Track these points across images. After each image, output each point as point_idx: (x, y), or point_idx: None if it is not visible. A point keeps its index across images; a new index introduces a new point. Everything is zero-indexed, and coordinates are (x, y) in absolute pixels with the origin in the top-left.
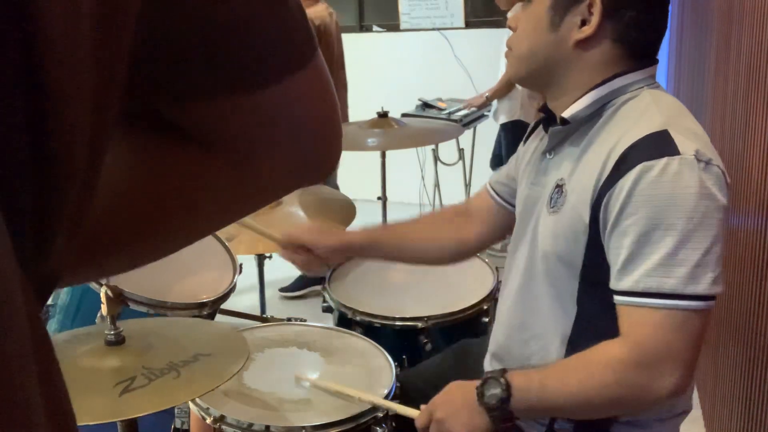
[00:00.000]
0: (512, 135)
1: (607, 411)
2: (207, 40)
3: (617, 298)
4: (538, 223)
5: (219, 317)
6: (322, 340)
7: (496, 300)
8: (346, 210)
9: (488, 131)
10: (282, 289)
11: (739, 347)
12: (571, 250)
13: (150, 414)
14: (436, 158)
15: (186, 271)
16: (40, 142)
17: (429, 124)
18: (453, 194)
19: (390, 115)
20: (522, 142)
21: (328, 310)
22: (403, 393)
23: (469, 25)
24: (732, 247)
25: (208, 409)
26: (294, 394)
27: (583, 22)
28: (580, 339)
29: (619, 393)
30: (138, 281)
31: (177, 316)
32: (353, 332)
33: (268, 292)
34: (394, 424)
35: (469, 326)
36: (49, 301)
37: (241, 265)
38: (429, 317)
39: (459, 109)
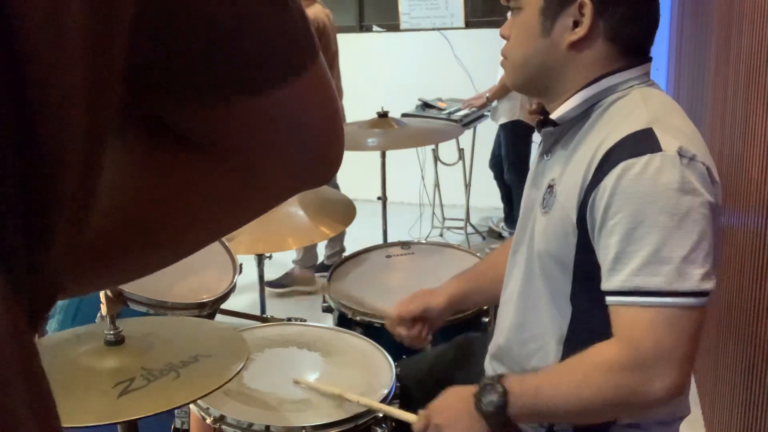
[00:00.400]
0: (512, 135)
1: (604, 414)
2: (207, 43)
3: (608, 298)
4: (534, 224)
5: (219, 317)
6: (322, 340)
7: None
8: (346, 210)
9: (488, 131)
10: (268, 283)
11: (739, 347)
12: (562, 250)
13: (148, 416)
14: (436, 158)
15: (186, 271)
16: (29, 151)
17: (429, 124)
18: (453, 194)
19: (390, 115)
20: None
21: (328, 310)
22: (403, 388)
23: (469, 25)
24: (732, 247)
25: (208, 409)
26: (294, 394)
27: (575, 24)
28: (575, 339)
29: (615, 395)
30: (138, 281)
31: (177, 316)
32: (353, 332)
33: (268, 292)
34: (394, 425)
35: (469, 326)
36: None
37: (241, 265)
38: None
39: (459, 109)
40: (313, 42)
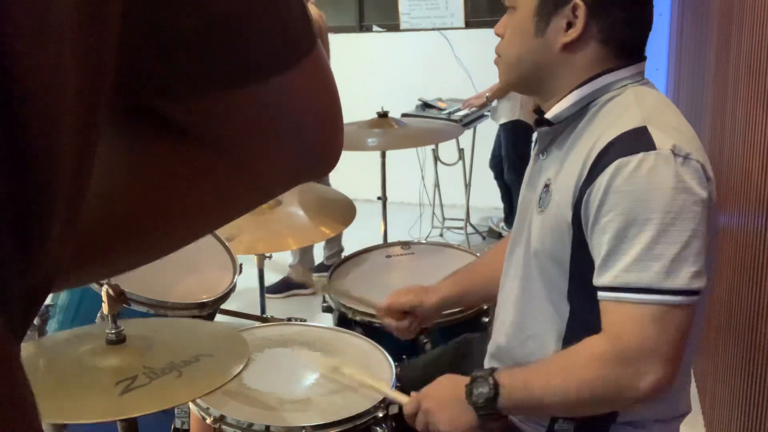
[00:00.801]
0: (512, 135)
1: (592, 407)
2: (200, 31)
3: (599, 294)
4: (531, 223)
5: (219, 317)
6: (322, 340)
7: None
8: (346, 210)
9: (488, 131)
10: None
11: (739, 347)
12: (558, 249)
13: (150, 414)
14: (436, 158)
15: (186, 271)
16: (17, 147)
17: (429, 124)
18: (453, 194)
19: (390, 115)
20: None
21: (328, 310)
22: (403, 388)
23: (469, 25)
24: (732, 247)
25: (208, 409)
26: (294, 394)
27: (569, 25)
28: (574, 337)
29: (602, 388)
30: (138, 281)
31: (177, 316)
32: (353, 332)
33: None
34: (394, 424)
35: (469, 326)
36: (49, 301)
37: (241, 265)
38: None
39: (459, 109)
40: (311, 29)
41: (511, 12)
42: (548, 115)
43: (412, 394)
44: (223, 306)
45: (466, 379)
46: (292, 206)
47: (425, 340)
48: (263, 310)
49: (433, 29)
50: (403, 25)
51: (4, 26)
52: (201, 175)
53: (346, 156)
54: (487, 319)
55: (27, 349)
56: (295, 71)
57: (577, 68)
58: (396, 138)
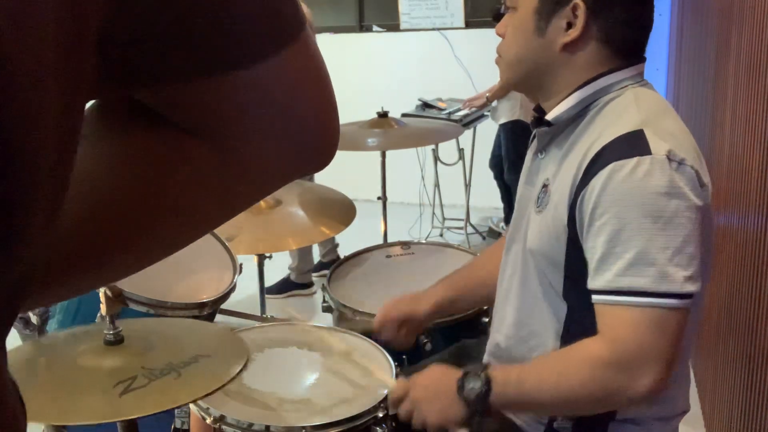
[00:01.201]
0: (512, 135)
1: (584, 408)
2: (183, 14)
3: (594, 296)
4: (528, 222)
5: (219, 317)
6: (322, 340)
7: None
8: (346, 210)
9: (488, 131)
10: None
11: (739, 347)
12: (554, 249)
13: (150, 414)
14: (436, 158)
15: (186, 271)
16: None
17: (429, 124)
18: (453, 194)
19: (390, 115)
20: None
21: (328, 310)
22: None
23: (469, 25)
24: (732, 247)
25: (208, 409)
26: (294, 394)
27: (569, 25)
28: (572, 335)
29: (595, 391)
30: (138, 281)
31: (177, 316)
32: (353, 332)
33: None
34: (394, 425)
35: (469, 326)
36: None
37: (241, 265)
38: None
39: (459, 109)
40: (299, 11)
41: (512, 12)
42: (549, 117)
43: (400, 379)
44: (223, 306)
45: (459, 372)
46: (292, 206)
47: (425, 340)
48: (263, 310)
49: (433, 29)
50: (403, 25)
51: None
52: (189, 167)
53: (346, 156)
54: (486, 319)
55: (27, 349)
56: (284, 54)
57: (578, 68)
58: (396, 138)
